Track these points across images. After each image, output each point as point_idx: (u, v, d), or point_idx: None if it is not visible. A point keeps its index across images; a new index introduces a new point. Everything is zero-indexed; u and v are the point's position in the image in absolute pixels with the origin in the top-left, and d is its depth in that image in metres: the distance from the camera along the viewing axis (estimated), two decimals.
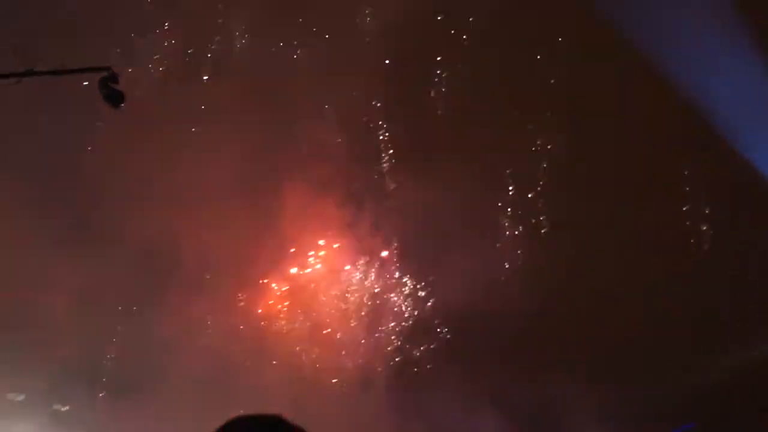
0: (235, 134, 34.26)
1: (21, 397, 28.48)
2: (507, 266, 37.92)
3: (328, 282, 37.89)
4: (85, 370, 32.10)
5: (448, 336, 38.79)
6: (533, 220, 38.62)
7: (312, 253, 38.40)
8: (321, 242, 38.48)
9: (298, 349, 37.47)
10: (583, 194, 36.54)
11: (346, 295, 39.18)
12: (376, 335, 39.07)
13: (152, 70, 36.19)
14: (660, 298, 33.83)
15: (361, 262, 38.77)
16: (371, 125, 38.93)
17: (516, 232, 38.22)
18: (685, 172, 38.11)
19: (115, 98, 16.24)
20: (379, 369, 37.75)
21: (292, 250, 38.11)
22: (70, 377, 30.94)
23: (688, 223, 37.67)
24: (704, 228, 37.38)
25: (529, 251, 38.22)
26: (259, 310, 39.33)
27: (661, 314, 33.60)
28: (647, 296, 34.25)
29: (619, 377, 32.47)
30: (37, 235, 30.73)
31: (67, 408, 30.91)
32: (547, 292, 35.60)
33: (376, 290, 39.03)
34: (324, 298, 38.11)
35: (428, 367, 38.87)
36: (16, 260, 29.75)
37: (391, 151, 41.01)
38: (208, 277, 34.47)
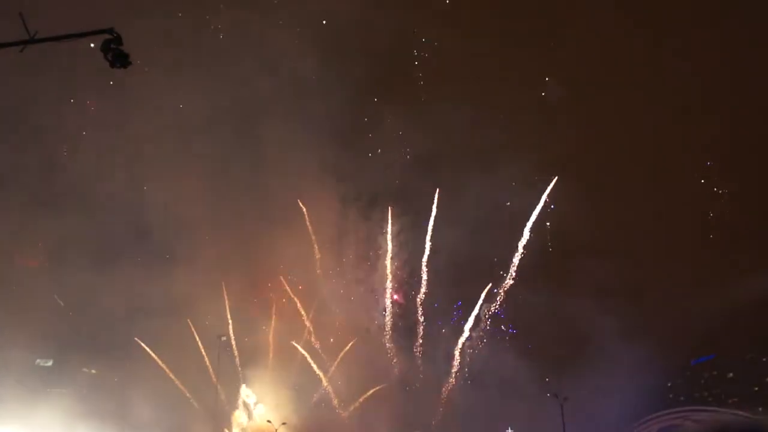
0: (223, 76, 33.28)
1: (49, 363, 29.16)
2: (508, 203, 37.58)
3: (318, 220, 37.51)
4: (98, 334, 32.46)
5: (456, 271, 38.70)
6: (533, 158, 37.97)
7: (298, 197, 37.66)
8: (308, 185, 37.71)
9: (300, 287, 37.53)
10: (590, 133, 35.86)
11: (341, 235, 38.89)
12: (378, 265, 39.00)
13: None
14: (678, 232, 33.69)
15: (354, 198, 38.29)
16: (361, 53, 37.60)
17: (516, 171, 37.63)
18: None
19: (120, 59, 15.87)
20: (378, 316, 37.69)
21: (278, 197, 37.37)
22: (92, 343, 31.34)
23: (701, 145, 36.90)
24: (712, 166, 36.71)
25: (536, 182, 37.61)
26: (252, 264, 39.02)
27: (679, 249, 33.49)
28: (666, 229, 34.05)
29: (643, 308, 32.69)
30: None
31: (94, 371, 31.46)
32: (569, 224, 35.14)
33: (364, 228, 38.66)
34: (318, 235, 37.89)
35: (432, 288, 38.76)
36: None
37: (386, 80, 40.09)
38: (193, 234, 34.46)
